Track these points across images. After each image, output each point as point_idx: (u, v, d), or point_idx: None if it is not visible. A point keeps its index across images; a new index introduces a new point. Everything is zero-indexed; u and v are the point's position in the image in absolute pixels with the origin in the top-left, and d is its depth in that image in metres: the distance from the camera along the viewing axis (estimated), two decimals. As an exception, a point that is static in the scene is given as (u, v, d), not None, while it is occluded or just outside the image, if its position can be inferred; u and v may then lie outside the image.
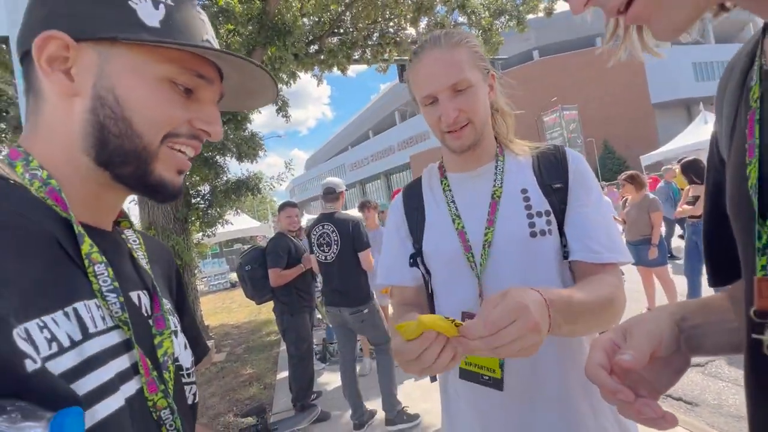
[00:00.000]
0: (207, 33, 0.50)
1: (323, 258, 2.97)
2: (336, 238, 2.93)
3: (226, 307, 10.38)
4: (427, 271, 0.93)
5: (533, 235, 0.82)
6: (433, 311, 0.93)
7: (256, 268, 3.20)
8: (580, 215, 0.83)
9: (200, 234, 6.08)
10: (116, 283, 0.44)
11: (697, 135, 11.18)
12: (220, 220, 5.93)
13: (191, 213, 5.53)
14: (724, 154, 0.51)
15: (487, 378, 0.79)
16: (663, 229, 4.50)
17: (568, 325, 0.64)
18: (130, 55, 0.45)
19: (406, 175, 39.95)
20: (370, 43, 6.95)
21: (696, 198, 4.25)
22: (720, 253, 0.56)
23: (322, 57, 6.60)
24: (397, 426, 2.88)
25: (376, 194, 44.50)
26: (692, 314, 0.56)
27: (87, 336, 0.39)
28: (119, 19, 0.44)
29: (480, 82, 0.82)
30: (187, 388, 0.53)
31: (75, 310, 0.39)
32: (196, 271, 6.24)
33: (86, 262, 0.42)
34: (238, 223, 11.12)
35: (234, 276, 12.69)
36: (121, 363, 0.42)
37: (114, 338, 0.42)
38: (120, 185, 0.47)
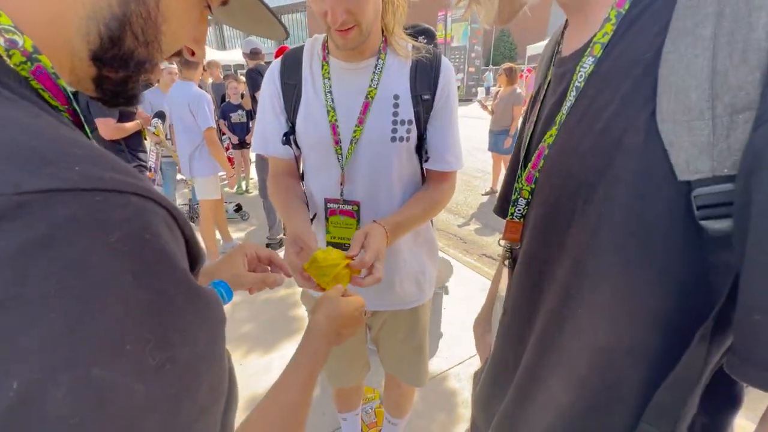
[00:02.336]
0: None
1: None
2: None
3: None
4: (299, 148, 1.02)
5: (393, 140, 0.93)
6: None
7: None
8: (440, 129, 0.97)
9: None
10: None
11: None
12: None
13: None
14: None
15: (347, 245, 1.00)
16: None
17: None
18: None
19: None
20: None
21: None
22: (507, 192, 0.73)
23: None
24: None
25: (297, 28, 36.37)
26: None
27: None
28: None
29: None
30: None
31: None
32: None
33: None
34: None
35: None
36: None
37: None
38: (90, 85, 0.36)
